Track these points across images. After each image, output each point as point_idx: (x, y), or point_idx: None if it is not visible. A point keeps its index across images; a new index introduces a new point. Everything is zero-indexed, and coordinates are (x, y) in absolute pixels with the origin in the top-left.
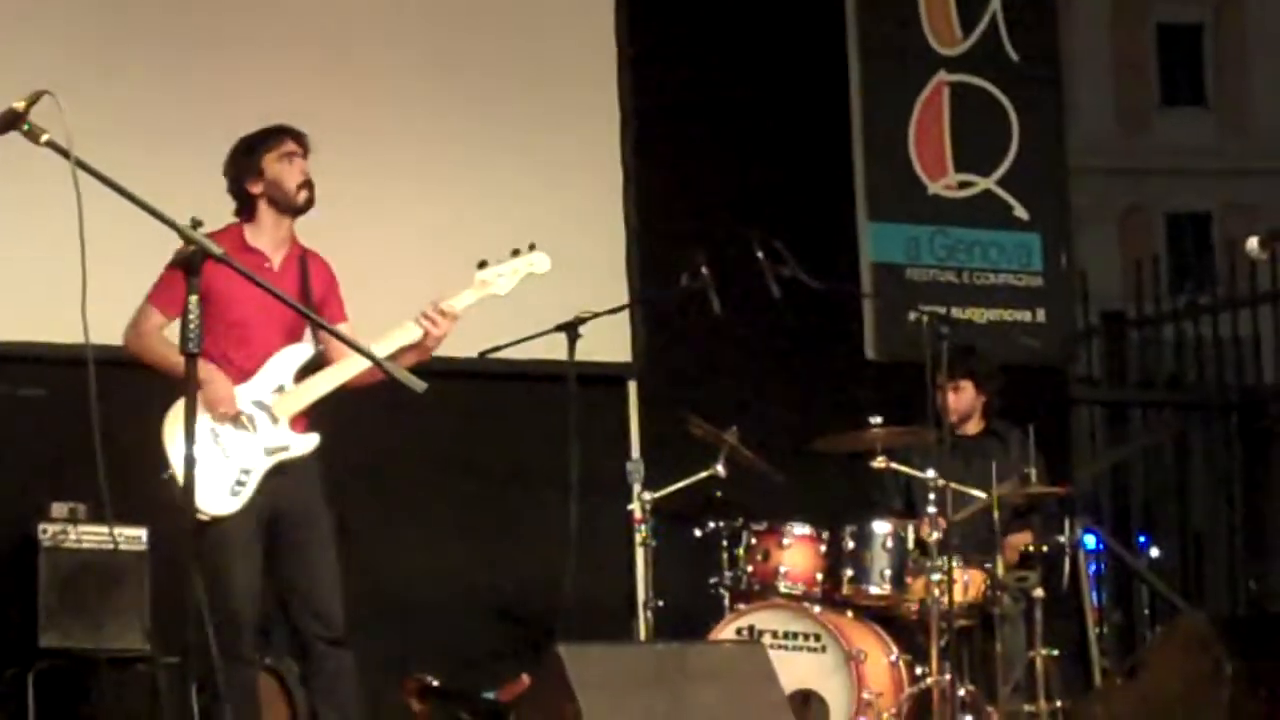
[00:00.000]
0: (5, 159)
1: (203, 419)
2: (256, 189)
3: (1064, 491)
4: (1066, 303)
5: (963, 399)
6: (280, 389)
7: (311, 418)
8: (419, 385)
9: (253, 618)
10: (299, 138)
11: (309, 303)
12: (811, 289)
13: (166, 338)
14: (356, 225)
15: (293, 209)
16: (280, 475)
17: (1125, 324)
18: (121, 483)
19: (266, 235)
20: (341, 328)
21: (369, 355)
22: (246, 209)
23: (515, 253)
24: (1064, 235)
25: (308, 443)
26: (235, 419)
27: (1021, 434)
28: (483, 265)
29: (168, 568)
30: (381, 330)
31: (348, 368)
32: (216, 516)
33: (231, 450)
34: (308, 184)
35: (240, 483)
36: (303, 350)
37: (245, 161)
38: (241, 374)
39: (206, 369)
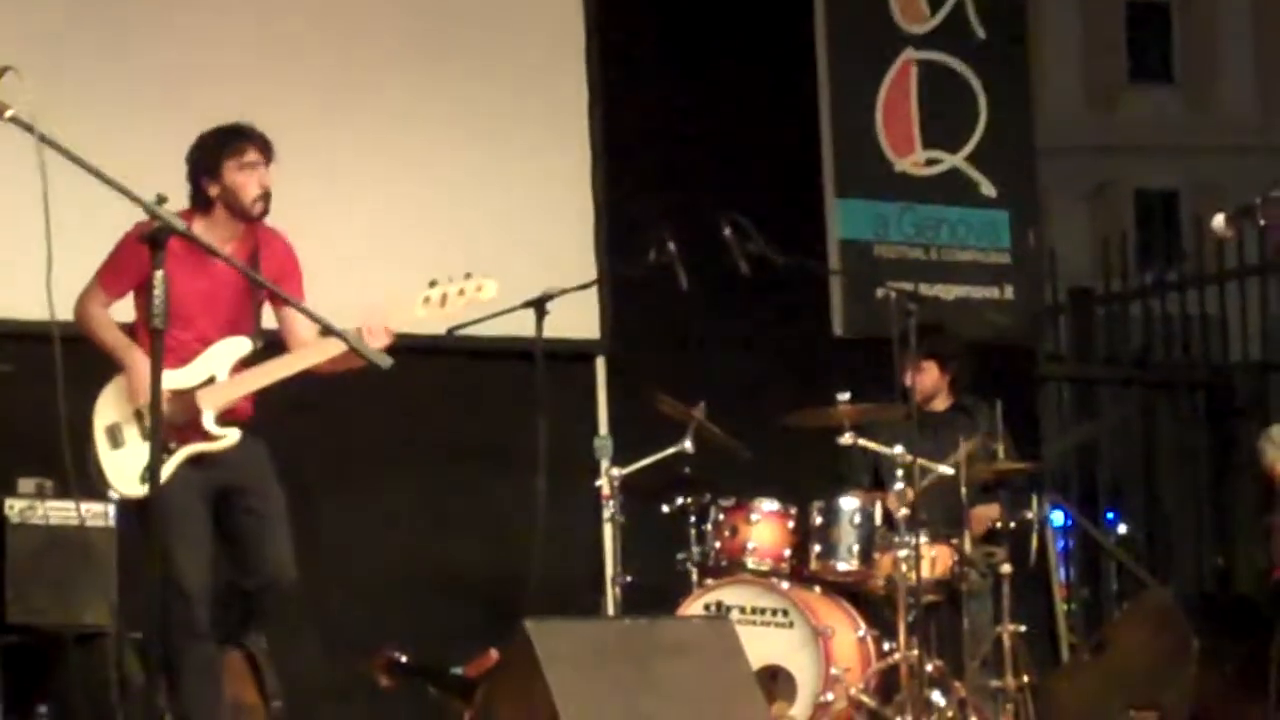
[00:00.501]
0: None
1: (128, 401)
2: (213, 191)
3: (1032, 467)
4: (1034, 279)
5: (926, 379)
6: (210, 379)
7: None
8: (386, 362)
9: (202, 592)
10: (263, 147)
11: (281, 281)
12: (779, 265)
13: (108, 317)
14: (320, 208)
15: (246, 219)
16: (205, 462)
17: (1093, 301)
18: (87, 458)
19: (218, 231)
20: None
21: (339, 334)
22: (201, 205)
23: (467, 275)
24: (1032, 212)
25: (229, 436)
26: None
27: (989, 409)
28: (432, 284)
29: (133, 543)
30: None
31: (279, 368)
32: (127, 497)
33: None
34: (265, 196)
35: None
36: (240, 344)
37: (205, 162)
38: (178, 361)
39: (131, 354)
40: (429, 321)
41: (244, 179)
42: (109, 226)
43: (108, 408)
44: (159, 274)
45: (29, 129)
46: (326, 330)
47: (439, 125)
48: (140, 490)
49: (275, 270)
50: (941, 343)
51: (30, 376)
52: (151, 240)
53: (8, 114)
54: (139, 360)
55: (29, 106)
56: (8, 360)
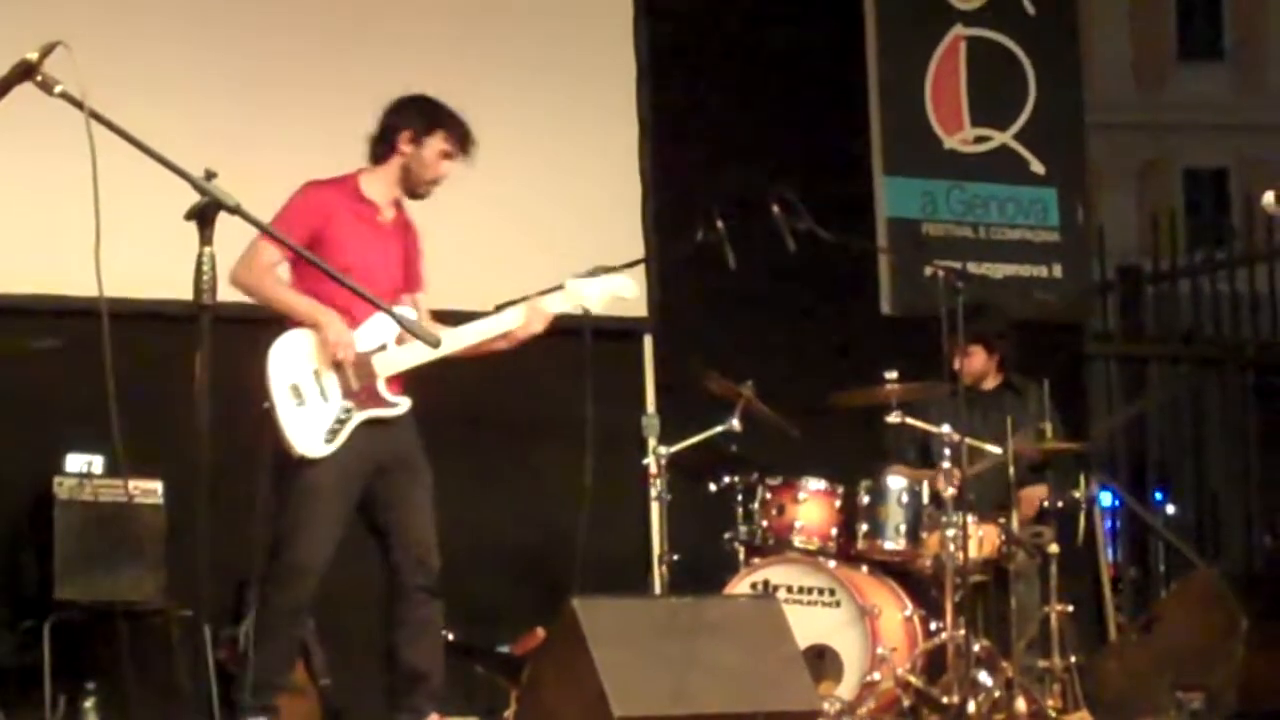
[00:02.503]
0: (19, 111)
1: (308, 359)
2: (406, 150)
3: (1080, 447)
4: (1083, 258)
5: (975, 362)
6: (383, 346)
7: (406, 380)
8: (435, 339)
9: (320, 570)
10: (468, 146)
11: (409, 265)
12: (827, 243)
13: (282, 279)
14: None
15: (411, 193)
16: (376, 428)
17: (1142, 279)
18: (137, 435)
19: (382, 188)
20: (419, 297)
21: (387, 310)
22: (383, 156)
23: (609, 269)
24: (1081, 190)
25: (401, 405)
26: (339, 367)
27: (1037, 388)
28: (576, 276)
29: (183, 520)
30: None
31: (450, 343)
32: (305, 457)
33: (331, 395)
34: (436, 183)
35: (334, 430)
36: (407, 314)
37: (418, 121)
38: (352, 323)
39: (328, 313)
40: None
41: (436, 163)
42: (157, 203)
43: (289, 365)
44: (207, 250)
45: (78, 105)
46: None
47: (489, 104)
48: (324, 449)
49: (416, 251)
50: (987, 325)
51: (79, 354)
52: (199, 217)
53: (57, 89)
54: (333, 317)
55: (78, 82)
56: (56, 337)
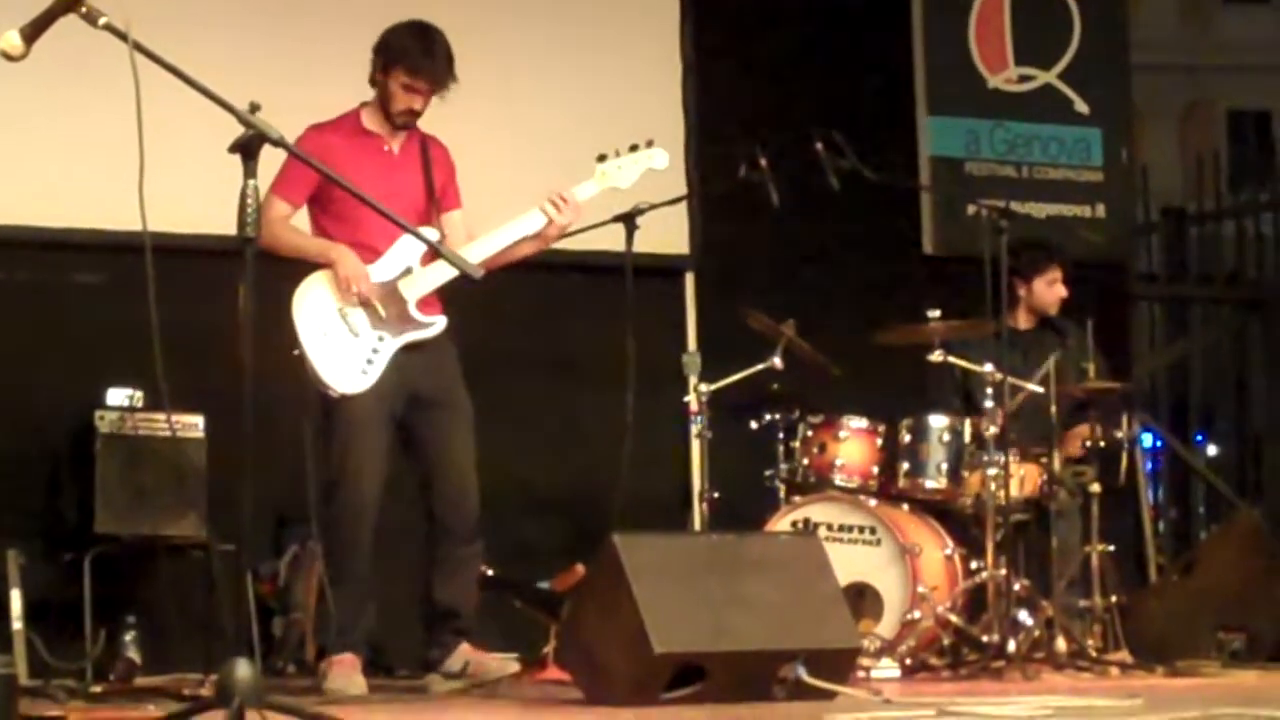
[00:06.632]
0: (64, 42)
1: (330, 299)
2: (378, 81)
3: (1122, 387)
4: (1127, 198)
5: (1058, 289)
6: (408, 271)
7: (444, 299)
8: (478, 272)
9: (377, 504)
10: (434, 80)
11: (432, 187)
12: (870, 182)
13: (295, 225)
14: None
15: (390, 122)
16: (413, 355)
17: (1186, 220)
18: (178, 370)
19: (381, 117)
20: (456, 214)
21: (424, 239)
22: (373, 88)
23: (634, 147)
24: (1125, 130)
25: (437, 324)
26: (364, 300)
27: (1078, 328)
28: (602, 159)
29: (224, 455)
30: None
31: (476, 255)
32: (345, 395)
33: (360, 329)
34: (410, 113)
35: (370, 361)
36: (429, 234)
37: (382, 54)
38: (372, 254)
39: (338, 249)
40: (601, 197)
41: (399, 94)
42: (202, 136)
43: (313, 308)
44: (251, 183)
45: (123, 37)
46: (415, 235)
47: (530, 41)
48: (363, 382)
49: (445, 175)
50: (1063, 250)
51: (121, 288)
52: (243, 149)
53: (101, 21)
54: (346, 254)
55: (123, 13)
56: (100, 271)
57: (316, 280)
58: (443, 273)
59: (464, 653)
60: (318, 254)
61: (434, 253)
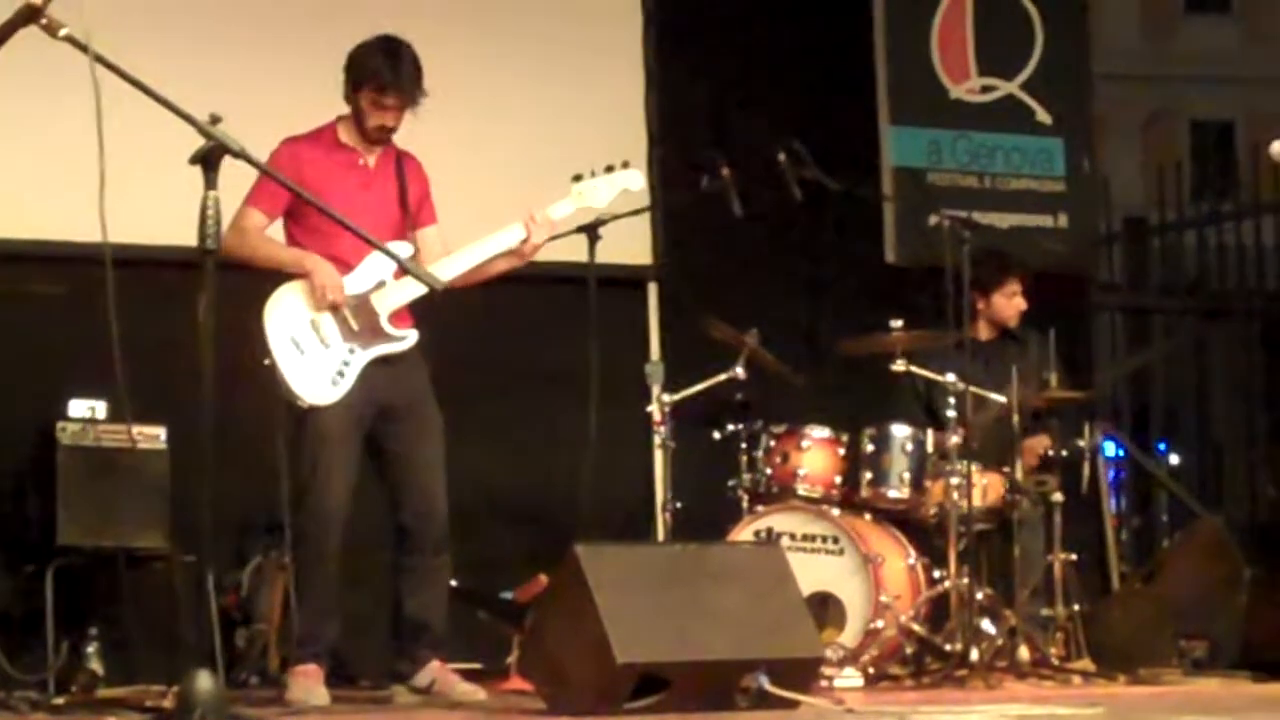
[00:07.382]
0: (24, 54)
1: (302, 309)
2: (351, 98)
3: (1084, 396)
4: (1089, 208)
5: (1018, 303)
6: (381, 284)
7: (416, 314)
8: (440, 283)
9: (344, 515)
10: (403, 96)
11: (406, 202)
12: (833, 192)
13: (269, 236)
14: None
15: (364, 137)
16: (383, 368)
17: (1147, 230)
18: (140, 381)
19: (356, 131)
20: (431, 230)
21: (390, 253)
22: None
23: (609, 168)
24: (1087, 140)
25: (408, 338)
26: (335, 310)
27: (1041, 338)
28: (578, 179)
29: (186, 466)
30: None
31: (449, 271)
32: (315, 406)
33: (332, 340)
34: (383, 129)
35: (340, 373)
36: (403, 248)
37: (350, 72)
38: (345, 268)
39: (312, 259)
40: (576, 217)
41: (370, 110)
42: (163, 148)
43: (284, 318)
44: (212, 194)
45: (83, 48)
46: (384, 252)
47: (494, 50)
48: (332, 394)
49: (420, 191)
50: (1023, 263)
51: (82, 299)
52: (204, 161)
53: (61, 32)
54: (320, 263)
55: (83, 25)
56: (61, 283)
57: (289, 290)
58: (415, 287)
59: (433, 670)
60: (293, 264)
61: (404, 270)
